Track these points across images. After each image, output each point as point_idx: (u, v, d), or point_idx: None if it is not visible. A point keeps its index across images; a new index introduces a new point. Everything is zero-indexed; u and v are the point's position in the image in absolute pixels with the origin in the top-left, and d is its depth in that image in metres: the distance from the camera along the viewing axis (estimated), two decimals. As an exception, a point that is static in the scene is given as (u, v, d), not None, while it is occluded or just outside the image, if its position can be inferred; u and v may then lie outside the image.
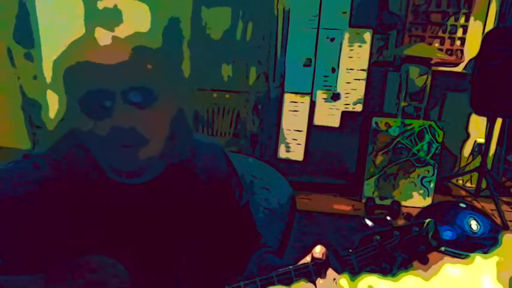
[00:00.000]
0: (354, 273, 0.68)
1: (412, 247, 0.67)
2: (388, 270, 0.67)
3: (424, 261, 0.67)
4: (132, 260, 0.71)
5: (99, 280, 0.71)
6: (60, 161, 0.74)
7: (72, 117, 0.69)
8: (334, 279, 0.68)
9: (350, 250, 0.69)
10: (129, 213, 0.76)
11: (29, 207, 0.71)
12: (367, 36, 2.73)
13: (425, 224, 0.67)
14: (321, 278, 0.69)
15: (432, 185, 2.84)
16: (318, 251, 0.70)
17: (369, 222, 0.70)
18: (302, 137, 2.91)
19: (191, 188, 0.82)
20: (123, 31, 0.65)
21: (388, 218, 0.70)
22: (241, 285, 0.70)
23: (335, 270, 0.69)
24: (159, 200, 0.78)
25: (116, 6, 0.64)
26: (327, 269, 0.69)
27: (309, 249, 0.71)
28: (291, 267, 0.71)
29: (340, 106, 2.84)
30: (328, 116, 2.86)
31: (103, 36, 0.64)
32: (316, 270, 0.69)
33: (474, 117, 3.00)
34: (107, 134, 0.66)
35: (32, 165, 0.74)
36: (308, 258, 0.71)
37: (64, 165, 0.74)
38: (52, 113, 0.71)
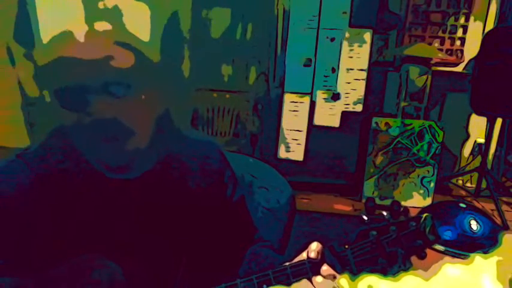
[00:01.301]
0: (351, 270, 0.68)
1: (409, 242, 0.67)
2: (385, 265, 0.67)
3: (422, 256, 0.67)
4: (127, 259, 0.71)
5: (94, 280, 0.71)
6: (49, 158, 0.73)
7: (57, 112, 0.67)
8: (332, 276, 0.68)
9: (346, 246, 0.68)
10: (119, 211, 0.75)
11: (19, 206, 0.70)
12: (367, 36, 2.73)
13: (423, 219, 0.67)
14: (317, 274, 0.68)
15: (432, 185, 2.83)
16: (314, 247, 0.69)
17: (365, 217, 0.70)
18: (302, 137, 2.91)
19: (183, 183, 0.82)
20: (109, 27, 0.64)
21: (385, 213, 0.69)
22: (238, 283, 0.69)
23: (331, 266, 0.68)
24: (151, 196, 0.78)
25: (116, 6, 0.64)
26: (322, 265, 0.68)
27: (305, 246, 0.71)
28: (287, 264, 0.70)
29: (340, 106, 2.84)
30: (328, 116, 2.86)
31: (83, 32, 0.62)
32: (313, 267, 0.69)
33: (474, 117, 3.00)
34: (92, 127, 0.65)
35: (22, 163, 0.73)
36: (304, 255, 0.71)
37: (53, 162, 0.73)
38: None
